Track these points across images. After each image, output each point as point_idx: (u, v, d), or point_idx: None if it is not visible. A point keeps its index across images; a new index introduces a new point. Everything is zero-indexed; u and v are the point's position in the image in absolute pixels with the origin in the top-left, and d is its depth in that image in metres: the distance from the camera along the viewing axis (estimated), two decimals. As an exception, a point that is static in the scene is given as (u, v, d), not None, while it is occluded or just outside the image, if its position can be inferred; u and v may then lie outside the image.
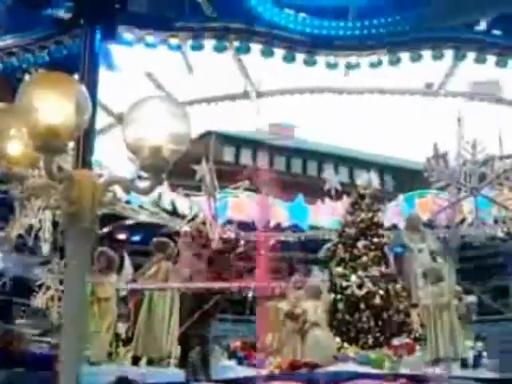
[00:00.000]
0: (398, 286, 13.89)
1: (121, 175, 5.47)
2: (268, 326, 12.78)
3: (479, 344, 12.77)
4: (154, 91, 11.76)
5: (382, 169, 28.89)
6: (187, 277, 12.38)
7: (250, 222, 18.08)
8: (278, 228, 18.69)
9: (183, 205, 17.19)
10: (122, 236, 19.97)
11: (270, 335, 13.22)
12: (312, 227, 19.21)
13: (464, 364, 11.90)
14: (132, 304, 12.51)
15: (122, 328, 12.76)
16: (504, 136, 12.97)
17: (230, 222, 17.72)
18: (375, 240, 14.42)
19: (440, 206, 14.10)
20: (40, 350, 12.28)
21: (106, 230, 17.29)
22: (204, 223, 16.17)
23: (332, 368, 11.19)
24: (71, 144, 4.52)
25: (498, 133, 13.08)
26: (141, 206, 17.32)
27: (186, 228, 16.84)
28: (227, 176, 18.53)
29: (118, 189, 4.58)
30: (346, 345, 12.39)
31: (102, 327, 11.99)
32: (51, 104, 3.94)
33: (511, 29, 10.81)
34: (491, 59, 10.76)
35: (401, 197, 18.33)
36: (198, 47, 10.70)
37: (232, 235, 13.96)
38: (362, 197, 15.12)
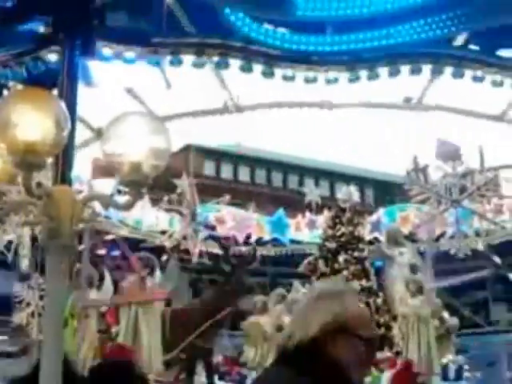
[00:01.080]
0: (379, 300, 13.93)
1: (100, 190, 5.45)
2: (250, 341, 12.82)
3: (460, 357, 12.80)
4: (133, 106, 11.74)
5: (363, 182, 29.03)
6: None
7: (231, 237, 18.08)
8: (259, 242, 18.68)
9: (164, 219, 17.16)
10: (101, 251, 19.86)
11: (252, 350, 13.22)
12: (293, 241, 19.22)
13: (445, 378, 11.93)
14: (112, 319, 12.46)
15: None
16: (484, 149, 13.06)
17: (211, 236, 17.72)
18: (356, 254, 14.47)
19: (421, 219, 14.17)
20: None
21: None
22: (185, 238, 16.18)
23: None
24: (50, 160, 4.51)
25: (478, 146, 13.17)
26: (121, 221, 17.27)
27: (166, 243, 16.83)
28: (208, 190, 18.54)
29: (97, 204, 4.57)
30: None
31: (82, 343, 11.94)
32: (30, 120, 3.92)
33: (488, 44, 10.92)
34: (468, 74, 10.86)
35: (381, 210, 18.41)
36: (176, 62, 10.71)
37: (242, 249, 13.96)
38: (343, 210, 15.18)
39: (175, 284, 17.22)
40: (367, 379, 11.44)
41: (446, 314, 13.29)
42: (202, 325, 11.30)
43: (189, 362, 11.51)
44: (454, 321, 13.77)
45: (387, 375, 11.91)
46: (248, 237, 18.30)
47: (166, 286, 14.40)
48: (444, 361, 12.03)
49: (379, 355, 13.25)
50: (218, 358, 14.26)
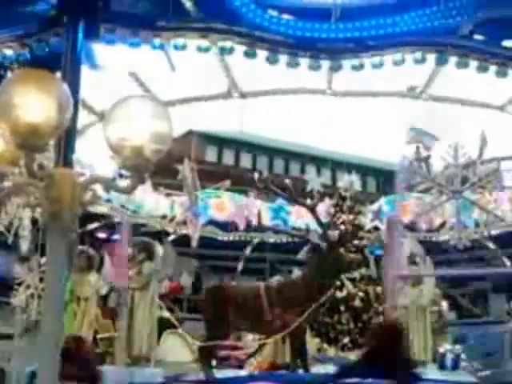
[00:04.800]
0: (378, 288, 13.95)
1: (102, 174, 5.45)
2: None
3: (458, 347, 12.84)
4: (136, 90, 11.72)
5: (364, 171, 28.97)
6: None
7: (231, 223, 18.09)
8: (260, 228, 18.68)
9: (164, 204, 17.16)
10: (102, 235, 19.87)
11: (249, 335, 13.25)
12: (293, 228, 19.20)
13: (442, 366, 11.98)
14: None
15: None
16: (487, 139, 13.03)
17: (211, 221, 17.72)
18: (356, 242, 14.47)
19: (421, 208, 14.14)
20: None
21: (87, 228, 17.22)
22: (185, 223, 16.18)
23: (311, 369, 11.23)
24: (52, 142, 4.51)
25: (481, 136, 13.14)
26: (122, 206, 17.27)
27: (167, 227, 16.85)
28: (209, 176, 18.51)
29: (98, 188, 4.57)
30: (325, 346, 12.42)
31: (81, 327, 11.98)
32: (32, 101, 3.93)
33: (493, 34, 10.90)
34: (472, 64, 10.84)
35: (382, 199, 18.38)
36: (181, 47, 10.68)
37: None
38: (344, 199, 15.17)
39: (172, 269, 17.28)
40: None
41: (444, 304, 13.34)
42: (307, 301, 10.78)
43: (295, 338, 10.98)
44: (451, 315, 13.83)
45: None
46: (248, 223, 18.28)
47: (163, 270, 14.47)
48: (441, 350, 12.08)
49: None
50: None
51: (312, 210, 12.16)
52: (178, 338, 12.76)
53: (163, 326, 12.78)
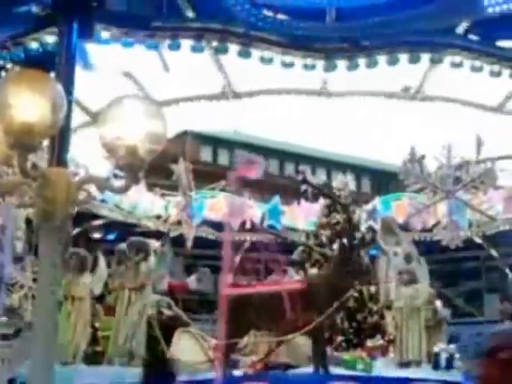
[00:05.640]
0: (372, 288, 13.95)
1: (96, 174, 5.44)
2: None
3: (452, 346, 12.84)
4: (131, 90, 11.70)
5: (359, 171, 29.00)
6: None
7: (226, 223, 18.07)
8: (254, 229, 18.67)
9: (159, 204, 17.15)
10: (96, 235, 19.84)
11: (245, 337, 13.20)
12: (288, 229, 19.20)
13: (436, 366, 11.97)
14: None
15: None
16: (481, 140, 13.05)
17: (206, 222, 17.71)
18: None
19: (415, 208, 14.17)
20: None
21: (80, 228, 17.20)
22: (179, 223, 16.17)
23: (306, 369, 11.22)
24: (46, 142, 4.50)
25: (475, 137, 13.16)
26: (117, 206, 17.24)
27: (161, 228, 16.83)
28: (204, 176, 18.50)
29: (92, 187, 4.56)
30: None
31: (75, 327, 11.96)
32: (26, 101, 3.92)
33: (488, 34, 10.91)
34: (467, 64, 10.86)
35: (377, 199, 18.39)
36: (175, 47, 10.67)
37: None
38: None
39: (168, 268, 17.26)
40: (359, 366, 11.51)
41: (438, 303, 13.33)
42: (328, 300, 10.78)
43: (317, 337, 10.96)
44: (445, 312, 13.82)
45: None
46: (243, 223, 18.27)
47: (159, 270, 14.46)
48: (435, 349, 12.08)
49: (372, 343, 13.33)
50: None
51: (345, 208, 12.46)
52: (191, 336, 12.69)
53: (174, 324, 12.71)
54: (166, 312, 12.91)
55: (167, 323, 12.36)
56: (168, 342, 11.95)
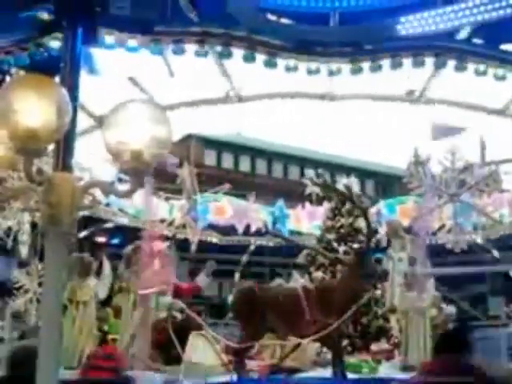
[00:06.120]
0: (378, 292, 13.93)
1: (101, 178, 5.45)
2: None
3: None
4: (135, 95, 11.73)
5: (363, 174, 28.99)
6: None
7: (230, 227, 18.10)
8: (259, 233, 18.69)
9: (163, 208, 17.16)
10: (101, 239, 19.89)
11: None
12: (293, 232, 19.23)
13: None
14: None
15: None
16: (486, 143, 13.05)
17: (210, 225, 17.74)
18: (355, 245, 14.46)
19: (419, 212, 14.15)
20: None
21: (85, 232, 17.23)
22: (184, 226, 16.19)
23: (311, 373, 11.21)
24: (51, 146, 4.51)
25: (479, 140, 13.16)
26: (121, 210, 17.27)
27: (165, 231, 16.84)
28: (208, 179, 18.54)
29: (97, 192, 4.58)
30: (324, 349, 12.38)
31: (80, 331, 11.98)
32: (32, 106, 3.93)
33: (492, 38, 10.92)
34: (471, 68, 10.86)
35: (381, 202, 18.39)
36: (179, 52, 10.70)
37: None
38: (343, 202, 15.17)
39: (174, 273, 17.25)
40: (364, 369, 11.49)
41: (443, 305, 13.33)
42: (345, 303, 10.68)
43: (334, 340, 10.83)
44: (450, 309, 13.81)
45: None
46: (247, 227, 18.30)
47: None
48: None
49: (377, 346, 13.31)
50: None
51: (364, 212, 12.37)
52: (204, 339, 12.65)
53: (187, 327, 12.67)
54: (178, 315, 12.87)
55: (182, 325, 12.31)
56: (183, 344, 11.90)
